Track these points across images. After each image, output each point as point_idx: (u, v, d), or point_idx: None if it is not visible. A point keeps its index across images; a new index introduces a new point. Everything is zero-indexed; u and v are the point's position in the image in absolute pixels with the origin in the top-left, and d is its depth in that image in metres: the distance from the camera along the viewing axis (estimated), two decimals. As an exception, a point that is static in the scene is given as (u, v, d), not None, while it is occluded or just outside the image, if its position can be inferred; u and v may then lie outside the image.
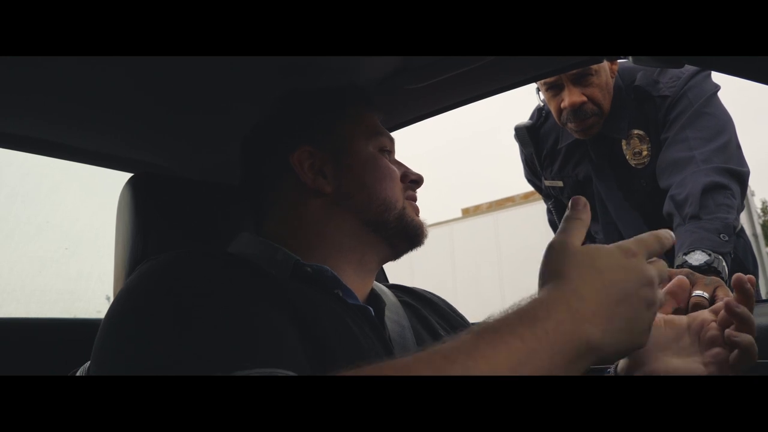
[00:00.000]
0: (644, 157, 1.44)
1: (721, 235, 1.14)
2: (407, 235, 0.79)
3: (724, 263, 1.10)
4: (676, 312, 0.74)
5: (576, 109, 1.43)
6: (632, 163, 1.46)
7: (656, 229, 0.58)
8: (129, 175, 0.90)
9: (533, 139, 1.67)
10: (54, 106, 0.89)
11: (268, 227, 0.79)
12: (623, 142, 1.46)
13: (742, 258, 1.40)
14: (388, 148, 0.83)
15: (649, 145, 1.43)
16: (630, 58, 1.42)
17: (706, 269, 1.07)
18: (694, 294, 0.85)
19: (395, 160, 0.85)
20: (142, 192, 0.87)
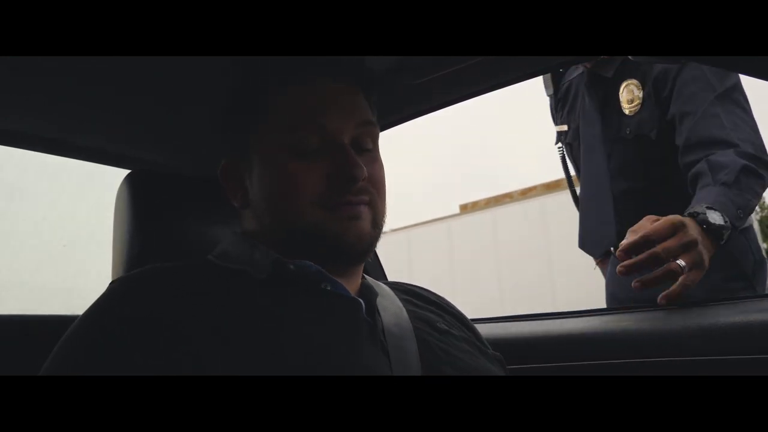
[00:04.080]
0: (635, 105, 1.44)
1: (739, 211, 1.15)
2: (328, 251, 0.68)
3: (728, 234, 1.11)
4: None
5: None
6: (626, 111, 1.46)
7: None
8: (127, 171, 0.90)
9: (555, 83, 1.68)
10: (53, 103, 0.89)
11: (247, 225, 0.76)
12: (621, 89, 1.47)
13: (738, 258, 1.38)
14: (312, 146, 0.68)
15: (642, 93, 1.43)
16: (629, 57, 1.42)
17: (714, 230, 1.07)
18: (676, 262, 0.99)
19: (340, 147, 0.69)
20: (139, 189, 0.87)
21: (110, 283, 0.63)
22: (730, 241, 1.33)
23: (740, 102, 1.34)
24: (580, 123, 1.56)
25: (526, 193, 9.36)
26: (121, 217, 0.87)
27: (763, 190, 1.26)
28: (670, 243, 0.99)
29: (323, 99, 0.71)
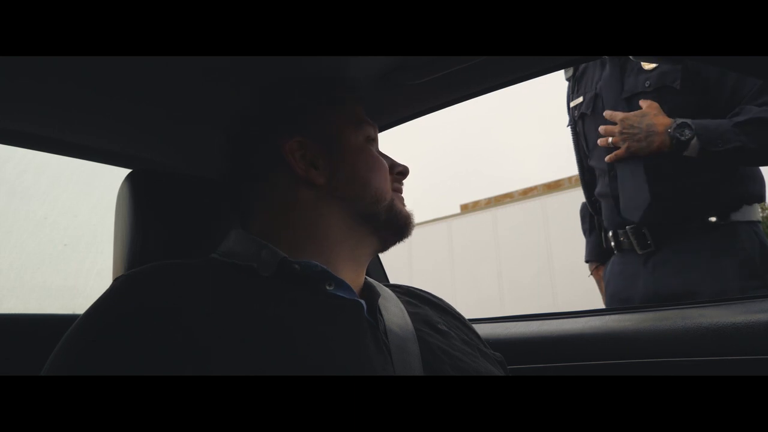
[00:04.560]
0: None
1: (719, 142, 1.29)
2: (397, 226, 0.79)
3: (690, 150, 1.32)
4: None
5: None
6: (645, 66, 1.46)
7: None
8: (128, 171, 0.90)
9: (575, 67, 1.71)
10: (54, 103, 0.89)
11: (256, 223, 0.77)
12: None
13: (746, 247, 1.36)
14: (374, 137, 0.83)
15: None
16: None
17: (672, 137, 1.33)
18: (610, 139, 1.45)
19: (380, 150, 0.84)
20: (140, 188, 0.87)
21: (113, 281, 0.63)
22: (738, 231, 1.36)
23: None
24: (602, 90, 1.56)
25: (527, 193, 9.37)
26: (122, 216, 0.88)
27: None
28: (613, 128, 1.43)
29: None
